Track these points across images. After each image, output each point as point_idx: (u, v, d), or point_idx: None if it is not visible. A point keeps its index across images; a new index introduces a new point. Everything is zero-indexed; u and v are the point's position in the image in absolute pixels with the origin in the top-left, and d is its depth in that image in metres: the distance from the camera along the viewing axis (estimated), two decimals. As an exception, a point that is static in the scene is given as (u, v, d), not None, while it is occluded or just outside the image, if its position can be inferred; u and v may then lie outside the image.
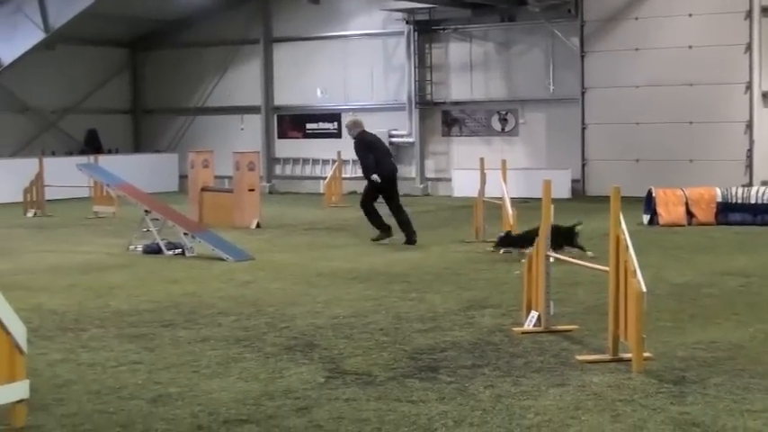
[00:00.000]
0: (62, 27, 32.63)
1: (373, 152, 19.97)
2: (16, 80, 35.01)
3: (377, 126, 33.75)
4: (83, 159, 28.57)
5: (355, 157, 33.60)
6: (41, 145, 35.41)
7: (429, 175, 34.47)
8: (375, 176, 19.53)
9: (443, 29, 33.84)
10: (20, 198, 27.54)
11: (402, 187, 32.30)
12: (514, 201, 17.93)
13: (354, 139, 20.27)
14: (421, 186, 34.18)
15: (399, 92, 34.49)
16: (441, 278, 14.78)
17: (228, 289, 14.04)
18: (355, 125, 20.44)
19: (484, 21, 33.02)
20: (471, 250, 18.02)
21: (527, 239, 16.90)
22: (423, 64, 34.12)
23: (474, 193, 20.07)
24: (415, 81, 33.99)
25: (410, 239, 19.20)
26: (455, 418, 7.60)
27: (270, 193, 34.77)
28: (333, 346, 10.19)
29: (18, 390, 7.55)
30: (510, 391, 8.30)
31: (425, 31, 33.95)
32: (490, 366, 9.19)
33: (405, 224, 19.40)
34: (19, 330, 7.59)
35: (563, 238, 16.57)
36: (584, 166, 31.31)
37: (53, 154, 34.73)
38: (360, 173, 21.76)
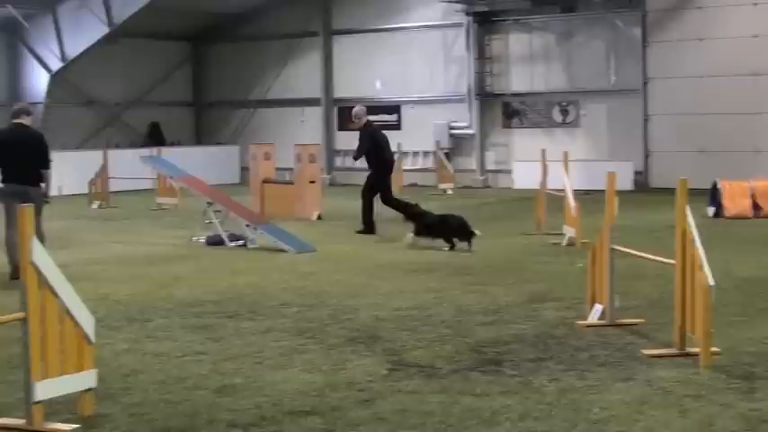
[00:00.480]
0: (125, 21, 32.99)
1: (379, 143, 20.40)
2: (81, 74, 35.36)
3: (437, 118, 33.84)
4: (146, 152, 28.78)
5: (416, 149, 34.09)
6: (106, 137, 35.70)
7: (489, 167, 34.35)
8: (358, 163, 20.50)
9: (503, 20, 33.70)
10: (85, 190, 27.81)
11: (462, 179, 32.59)
12: (576, 193, 17.77)
13: (363, 128, 20.63)
14: (481, 178, 34.07)
15: (459, 83, 34.40)
16: (503, 270, 14.70)
17: (291, 280, 14.06)
18: (364, 114, 20.77)
19: (544, 12, 32.86)
20: (533, 242, 17.92)
21: (443, 229, 17.52)
22: (482, 55, 34.00)
23: (535, 185, 19.95)
24: (475, 72, 33.88)
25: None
26: (519, 411, 7.55)
27: (330, 185, 34.79)
28: (395, 338, 10.17)
29: (86, 379, 7.61)
30: (575, 385, 8.23)
31: (485, 22, 33.83)
32: (554, 360, 9.12)
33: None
34: (87, 321, 7.65)
35: (458, 231, 17.23)
36: (647, 157, 31.06)
37: (117, 146, 35.02)
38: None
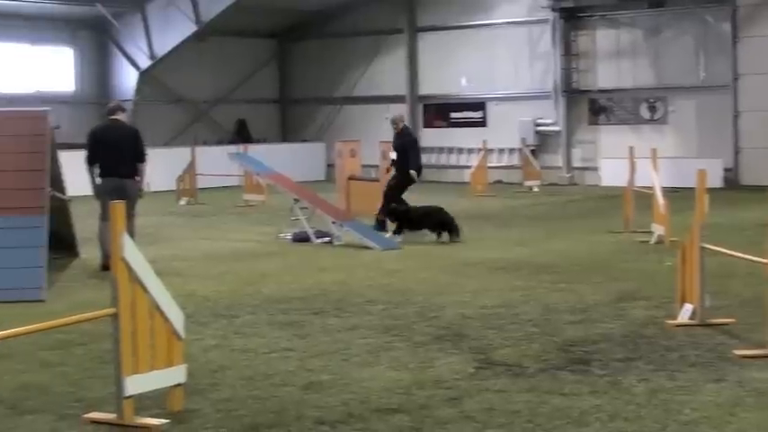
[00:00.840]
0: (213, 19, 33.27)
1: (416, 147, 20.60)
2: (169, 72, 35.73)
3: (522, 114, 33.66)
4: (233, 149, 29.01)
5: (501, 146, 33.93)
6: (193, 135, 36.04)
7: (576, 164, 34.06)
8: (414, 173, 19.97)
9: (590, 16, 33.40)
10: (173, 186, 28.09)
11: (548, 176, 32.39)
12: (664, 190, 17.56)
13: (401, 131, 20.45)
14: (567, 176, 33.81)
15: (545, 80, 34.16)
16: (590, 269, 14.57)
17: (377, 277, 14.06)
18: (402, 119, 20.85)
19: (631, 7, 32.49)
20: (621, 240, 17.74)
21: (422, 221, 18.17)
22: (569, 51, 33.73)
23: (622, 182, 19.75)
24: (561, 69, 33.62)
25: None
26: (609, 412, 7.46)
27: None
28: (482, 336, 10.12)
29: (176, 374, 7.68)
30: (665, 386, 8.12)
31: (571, 18, 33.56)
32: (644, 360, 9.01)
33: None
34: (177, 317, 7.71)
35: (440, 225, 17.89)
36: (736, 154, 30.58)
37: (204, 143, 35.32)
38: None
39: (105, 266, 13.89)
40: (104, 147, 15.02)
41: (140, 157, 15.21)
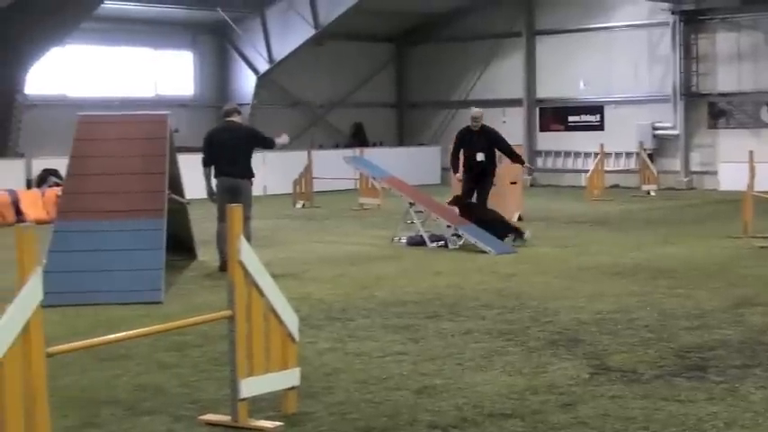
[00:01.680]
0: (331, 23, 33.50)
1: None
2: (287, 75, 36.09)
3: (640, 118, 33.26)
4: (349, 152, 29.15)
5: (618, 150, 33.57)
6: (310, 138, 36.33)
7: (694, 168, 33.57)
8: (458, 175, 19.49)
9: (710, 18, 32.89)
10: (289, 190, 28.33)
11: (666, 180, 31.96)
12: (785, 195, 17.25)
13: (486, 129, 19.75)
14: (685, 180, 33.34)
15: (664, 83, 33.74)
16: (708, 274, 14.32)
17: (491, 282, 14.01)
18: (482, 116, 19.81)
19: (753, 10, 31.91)
20: (739, 246, 17.41)
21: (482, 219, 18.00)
22: (688, 55, 33.27)
23: (742, 186, 19.38)
24: (681, 72, 33.18)
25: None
26: (726, 419, 7.32)
27: (531, 185, 34.61)
28: (597, 341, 10.01)
29: (290, 377, 7.72)
30: (784, 394, 7.95)
31: (692, 21, 33.07)
32: (762, 367, 8.81)
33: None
34: (291, 319, 7.76)
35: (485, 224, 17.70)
36: None
37: (321, 147, 35.59)
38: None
39: (223, 267, 14.09)
40: (219, 148, 15.28)
41: (268, 145, 15.76)
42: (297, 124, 37.44)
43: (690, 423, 7.27)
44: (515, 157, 19.81)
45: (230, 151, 15.23)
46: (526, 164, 19.63)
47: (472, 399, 8.00)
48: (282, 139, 16.06)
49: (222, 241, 14.43)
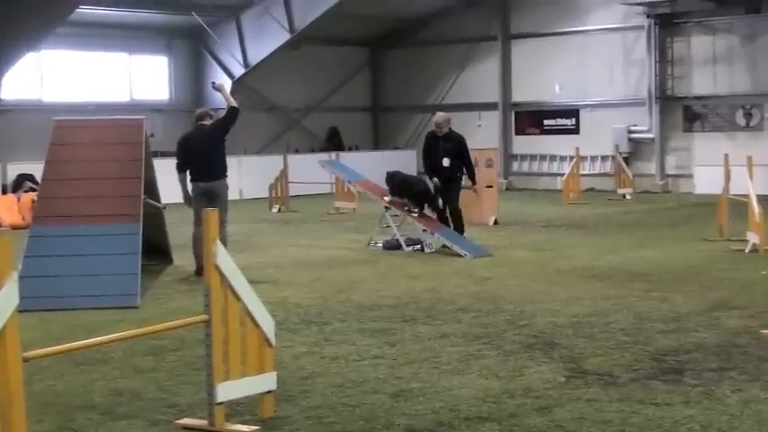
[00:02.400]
0: (306, 27, 33.47)
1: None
2: (262, 80, 36.03)
3: (616, 121, 33.37)
4: (325, 156, 29.15)
5: (594, 154, 33.66)
6: (286, 142, 36.31)
7: (669, 171, 33.70)
8: (436, 180, 18.63)
9: (685, 22, 33.02)
10: (265, 194, 28.31)
11: (641, 184, 32.09)
12: (760, 198, 17.29)
13: (453, 135, 18.88)
14: (661, 183, 33.46)
15: (639, 87, 33.84)
16: (683, 277, 14.38)
17: (467, 285, 14.04)
18: (448, 121, 19.03)
19: (728, 13, 32.04)
20: (715, 249, 17.49)
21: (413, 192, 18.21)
22: (663, 58, 33.40)
23: (717, 190, 19.46)
24: (656, 75, 33.29)
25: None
26: (702, 422, 7.36)
27: (507, 189, 34.70)
28: (573, 345, 10.04)
29: (266, 381, 7.73)
30: (759, 397, 7.98)
31: (667, 24, 33.20)
32: (737, 370, 8.86)
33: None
34: (268, 324, 7.76)
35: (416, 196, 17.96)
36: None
37: (296, 151, 35.57)
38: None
39: (200, 272, 14.10)
40: (193, 152, 15.34)
41: (234, 114, 15.72)
42: (272, 129, 37.47)
43: (666, 426, 7.30)
44: (470, 173, 19.28)
45: (204, 154, 15.29)
46: (476, 185, 19.22)
47: (449, 402, 8.02)
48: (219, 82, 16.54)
49: (198, 245, 14.37)
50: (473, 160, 19.53)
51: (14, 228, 19.73)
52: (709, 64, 32.66)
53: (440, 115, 19.24)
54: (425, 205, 18.32)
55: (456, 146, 18.75)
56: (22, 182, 27.40)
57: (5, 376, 5.84)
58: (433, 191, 18.50)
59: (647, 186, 32.90)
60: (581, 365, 9.16)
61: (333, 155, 29.02)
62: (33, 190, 24.56)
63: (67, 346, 7.48)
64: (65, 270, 13.07)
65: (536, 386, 8.45)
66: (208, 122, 15.83)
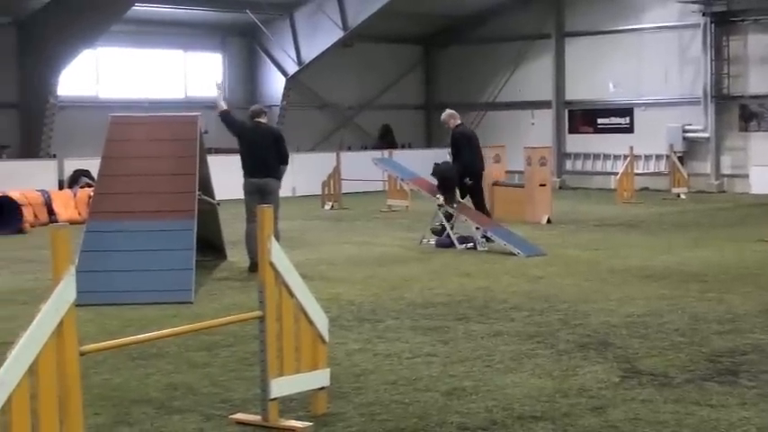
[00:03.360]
0: (359, 25, 33.49)
1: (470, 147, 19.29)
2: (315, 77, 36.10)
3: (671, 120, 33.09)
4: (377, 154, 29.16)
5: (648, 153, 33.43)
6: (338, 140, 36.37)
7: (725, 171, 33.38)
8: (467, 179, 18.99)
9: (742, 20, 32.68)
10: (318, 191, 28.36)
11: (696, 183, 31.81)
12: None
13: (453, 132, 19.49)
14: (716, 183, 33.16)
15: (695, 85, 33.55)
16: (739, 278, 14.25)
17: (520, 284, 14.00)
18: (453, 117, 19.57)
19: (786, 11, 31.72)
20: (771, 249, 17.34)
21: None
22: (719, 56, 33.09)
23: (774, 190, 19.27)
24: (711, 74, 32.99)
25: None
26: (758, 425, 7.29)
27: (560, 188, 34.55)
28: (627, 345, 9.98)
29: (320, 378, 7.75)
30: (817, 399, 7.91)
31: (723, 22, 32.88)
32: (795, 372, 8.78)
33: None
34: (321, 320, 7.78)
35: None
36: None
37: (349, 149, 35.62)
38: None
39: (253, 268, 14.17)
40: (248, 147, 15.47)
41: (283, 159, 15.57)
42: (325, 126, 37.53)
43: (721, 428, 7.24)
44: (459, 168, 19.16)
45: (259, 151, 15.36)
46: (467, 181, 19.14)
47: (501, 401, 8.00)
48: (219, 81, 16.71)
49: (252, 242, 14.59)
50: (527, 158, 19.52)
51: (71, 223, 19.91)
52: (766, 63, 32.31)
53: (443, 114, 19.93)
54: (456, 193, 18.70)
55: (452, 142, 19.44)
56: (78, 177, 27.66)
57: (63, 370, 5.90)
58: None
59: (702, 186, 32.61)
60: (635, 366, 9.10)
61: (385, 153, 29.00)
62: (89, 186, 24.79)
63: (123, 340, 7.55)
64: (120, 265, 13.17)
65: (590, 386, 8.41)
66: (263, 119, 15.94)
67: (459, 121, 19.65)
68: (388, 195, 27.04)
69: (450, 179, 18.49)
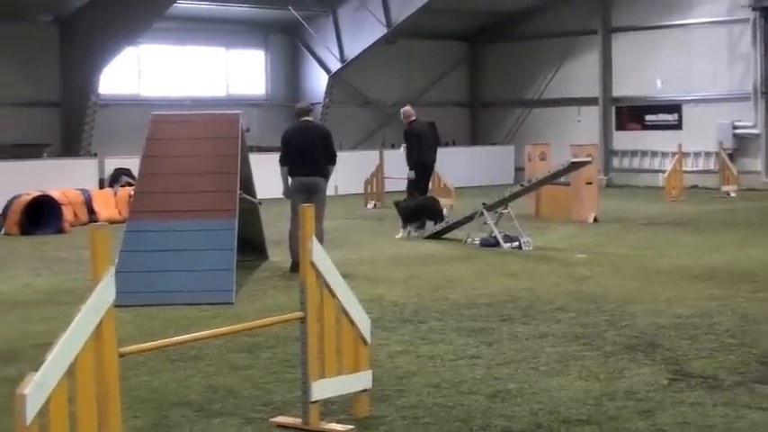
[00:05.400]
0: (403, 22, 33.47)
1: (419, 143, 21.43)
2: (358, 74, 36.11)
3: (720, 117, 32.82)
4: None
5: (697, 150, 33.18)
6: (381, 137, 36.35)
7: (776, 168, 33.09)
8: (410, 172, 21.54)
9: (793, 15, 32.38)
10: (361, 189, 28.35)
11: (746, 181, 31.52)
12: None
13: (407, 127, 21.74)
14: (767, 180, 32.84)
15: (744, 81, 33.24)
16: (791, 278, 14.11)
17: (566, 284, 13.91)
18: (406, 114, 21.88)
19: (839, 5, 31.36)
20: (824, 249, 17.14)
21: (418, 210, 19.96)
22: (770, 52, 32.79)
23: (827, 188, 19.06)
24: (762, 70, 32.68)
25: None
26: (811, 429, 7.20)
27: (607, 186, 34.33)
28: (676, 346, 9.88)
29: (362, 380, 7.71)
30: None
31: (773, 17, 32.59)
32: None
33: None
34: (363, 321, 7.75)
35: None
36: None
37: (392, 147, 35.55)
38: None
39: (295, 268, 14.16)
40: (297, 148, 15.37)
41: (331, 159, 15.56)
42: (368, 124, 37.53)
43: (773, 432, 7.16)
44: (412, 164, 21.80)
45: (308, 151, 15.33)
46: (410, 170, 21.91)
47: (547, 404, 7.94)
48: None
49: (294, 241, 14.52)
50: (573, 154, 19.50)
51: (111, 222, 20.03)
52: (818, 58, 32.01)
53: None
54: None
55: (404, 138, 22.01)
56: (118, 176, 27.81)
57: (102, 371, 5.90)
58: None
59: (752, 183, 32.29)
60: (684, 368, 9.01)
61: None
62: (130, 184, 24.92)
63: (162, 342, 7.54)
64: (160, 265, 13.21)
65: (637, 389, 8.33)
66: (311, 117, 15.93)
67: (413, 118, 21.86)
68: (433, 194, 26.91)
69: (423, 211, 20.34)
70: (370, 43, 34.29)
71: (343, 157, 30.69)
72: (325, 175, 15.50)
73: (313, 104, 33.14)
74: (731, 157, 31.87)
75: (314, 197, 14.77)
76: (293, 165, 15.37)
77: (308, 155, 15.29)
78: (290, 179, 15.48)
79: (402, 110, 22.36)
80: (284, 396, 8.27)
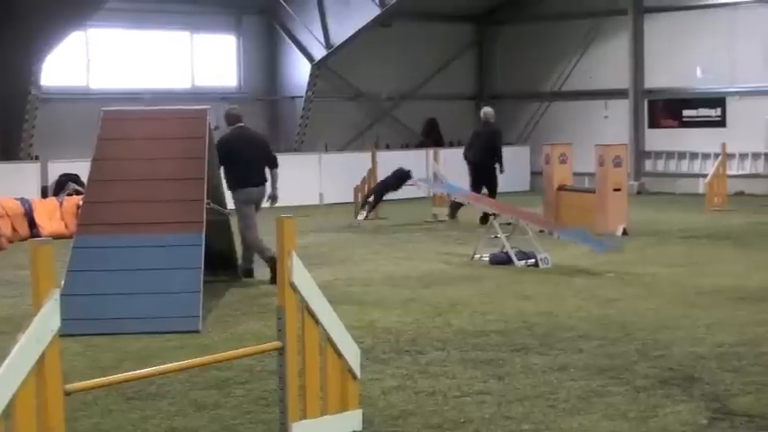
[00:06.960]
0: (399, 1, 33.44)
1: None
2: (347, 63, 36.13)
3: (769, 112, 32.93)
4: (421, 153, 29.15)
5: (743, 151, 33.29)
6: (375, 137, 36.42)
7: (834, 169, 33.24)
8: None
9: None
10: (350, 198, 28.36)
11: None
12: None
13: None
14: (825, 184, 33.03)
15: (799, 71, 33.43)
16: None
17: (590, 308, 13.97)
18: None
19: None
20: None
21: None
22: (829, 36, 32.96)
23: None
24: (820, 57, 32.88)
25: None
26: None
27: (638, 193, 34.45)
28: (718, 380, 9.94)
29: (350, 421, 7.77)
30: None
31: (833, -5, 32.77)
32: None
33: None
34: (352, 353, 7.79)
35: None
36: None
37: (387, 147, 35.67)
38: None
39: (274, 279, 14.29)
40: (244, 159, 16.61)
41: (274, 163, 16.90)
42: (359, 121, 37.58)
43: (829, 479, 7.21)
44: None
45: (255, 162, 16.76)
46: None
47: (567, 448, 8.00)
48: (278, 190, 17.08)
49: (259, 242, 16.26)
50: (598, 158, 19.63)
51: (56, 237, 20.03)
52: None
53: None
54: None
55: None
56: (65, 183, 27.82)
57: (44, 412, 5.94)
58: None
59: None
60: (727, 405, 9.07)
61: (431, 152, 29.01)
62: (78, 193, 24.95)
63: (116, 377, 7.58)
64: (114, 287, 13.23)
65: (672, 428, 8.40)
66: (243, 123, 17.23)
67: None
68: (434, 203, 27.01)
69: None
70: (361, 26, 34.30)
71: (329, 159, 31.05)
72: (265, 183, 16.90)
73: (294, 98, 33.41)
74: (783, 158, 32.05)
75: (258, 207, 16.64)
76: (240, 175, 16.57)
77: (254, 165, 16.65)
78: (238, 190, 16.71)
79: (485, 110, 24.49)
80: (260, 440, 8.32)
